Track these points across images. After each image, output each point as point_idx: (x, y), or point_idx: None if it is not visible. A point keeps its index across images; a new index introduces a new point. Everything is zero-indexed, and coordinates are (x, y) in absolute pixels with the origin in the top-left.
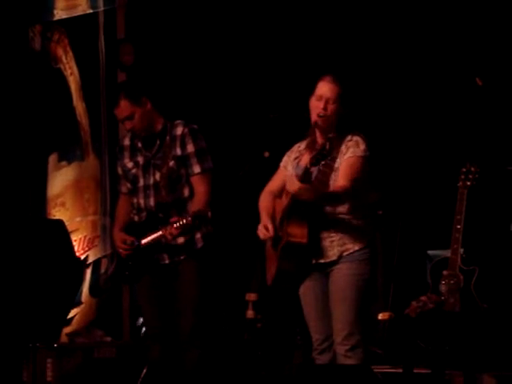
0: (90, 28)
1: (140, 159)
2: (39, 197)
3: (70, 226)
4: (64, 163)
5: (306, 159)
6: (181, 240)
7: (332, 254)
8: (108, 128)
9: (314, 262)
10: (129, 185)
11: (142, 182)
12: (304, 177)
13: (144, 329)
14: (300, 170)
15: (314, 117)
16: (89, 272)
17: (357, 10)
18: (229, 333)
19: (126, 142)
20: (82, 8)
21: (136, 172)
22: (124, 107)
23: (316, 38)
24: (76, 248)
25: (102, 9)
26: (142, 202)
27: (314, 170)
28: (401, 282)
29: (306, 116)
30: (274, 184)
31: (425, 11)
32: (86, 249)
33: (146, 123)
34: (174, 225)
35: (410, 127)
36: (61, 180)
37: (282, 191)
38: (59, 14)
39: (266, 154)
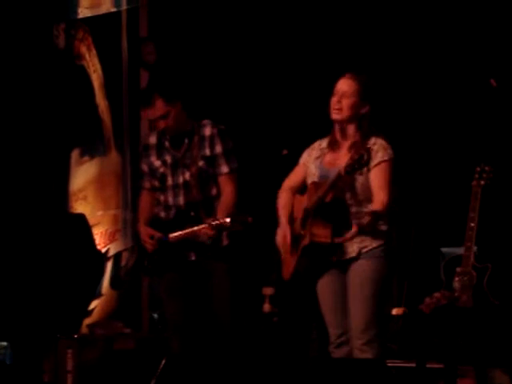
0: (113, 26)
1: (168, 158)
2: (62, 191)
3: (91, 220)
4: (86, 158)
5: (329, 160)
6: (204, 238)
7: (351, 250)
8: (130, 125)
9: (334, 259)
10: (156, 182)
11: (170, 181)
12: (334, 183)
13: (159, 322)
14: (324, 171)
15: (331, 113)
16: (110, 265)
17: (375, 14)
18: (245, 326)
19: (153, 140)
20: (106, 7)
21: (164, 171)
22: (159, 106)
23: (337, 39)
24: (97, 241)
25: (125, 8)
26: (170, 199)
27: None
28: (415, 278)
29: (326, 113)
30: (293, 180)
31: (441, 13)
32: (107, 242)
33: (179, 123)
34: (212, 223)
35: (426, 126)
36: (83, 174)
37: (301, 187)
38: (83, 12)
39: (285, 152)
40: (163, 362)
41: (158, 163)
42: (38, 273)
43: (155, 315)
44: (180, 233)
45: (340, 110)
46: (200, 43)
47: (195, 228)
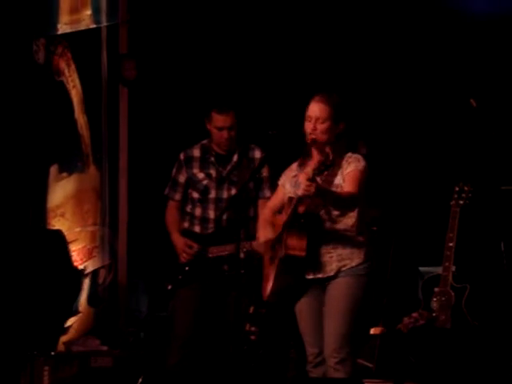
0: (93, 42)
1: (213, 172)
2: (39, 207)
3: (69, 236)
4: (65, 174)
5: (303, 176)
6: (242, 254)
7: (330, 269)
8: (109, 141)
9: (311, 276)
10: (196, 194)
11: (214, 194)
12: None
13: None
14: (299, 186)
15: (308, 137)
16: (87, 282)
17: (355, 27)
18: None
19: (196, 153)
20: (86, 23)
21: (208, 183)
22: (232, 117)
23: (313, 54)
24: (75, 258)
25: (105, 24)
26: (211, 213)
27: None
28: (393, 297)
29: (300, 133)
30: (273, 202)
31: (422, 34)
32: (85, 259)
33: (235, 138)
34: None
35: (405, 146)
36: (61, 191)
37: (281, 208)
38: (63, 28)
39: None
40: (140, 380)
41: (201, 175)
42: (14, 289)
43: (142, 334)
44: (220, 249)
45: (316, 136)
46: (180, 59)
47: (237, 249)
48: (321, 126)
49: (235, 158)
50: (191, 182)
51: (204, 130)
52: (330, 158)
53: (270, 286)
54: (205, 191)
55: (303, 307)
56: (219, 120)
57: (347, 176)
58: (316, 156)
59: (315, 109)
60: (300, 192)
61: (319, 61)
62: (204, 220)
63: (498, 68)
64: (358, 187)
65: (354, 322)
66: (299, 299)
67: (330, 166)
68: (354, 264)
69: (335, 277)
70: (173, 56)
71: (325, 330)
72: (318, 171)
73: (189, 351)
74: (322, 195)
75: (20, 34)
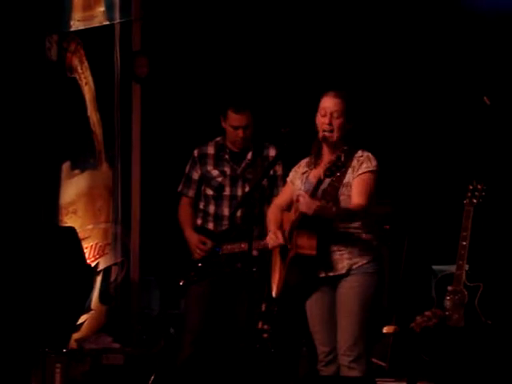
0: (106, 39)
1: (227, 169)
2: (52, 204)
3: (81, 234)
4: (77, 171)
5: (314, 174)
6: (255, 252)
7: (341, 267)
8: (121, 138)
9: (323, 275)
10: (210, 191)
11: (228, 191)
12: (315, 189)
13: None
14: (309, 184)
15: (321, 133)
16: (99, 279)
17: (366, 27)
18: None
19: (211, 150)
20: (99, 19)
21: (222, 181)
22: (248, 116)
23: (323, 52)
24: (87, 255)
25: (118, 21)
26: (225, 210)
27: (326, 182)
28: (406, 296)
29: (313, 131)
30: (281, 198)
31: (435, 30)
32: (97, 256)
33: (250, 137)
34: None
35: (419, 144)
36: (73, 188)
37: (289, 205)
38: (76, 24)
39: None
40: (152, 377)
41: (215, 172)
42: (26, 286)
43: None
44: (234, 247)
45: (331, 131)
46: (193, 57)
47: (251, 244)
48: (336, 122)
49: (249, 155)
50: (205, 179)
51: (217, 127)
52: (342, 159)
53: (279, 284)
54: (219, 188)
55: (314, 306)
56: (235, 119)
57: (357, 181)
58: (327, 154)
59: (330, 103)
60: (301, 209)
61: (331, 59)
62: (218, 217)
63: None
64: (369, 196)
65: (366, 320)
66: (310, 297)
67: (341, 168)
68: (364, 262)
69: (346, 275)
70: (185, 53)
71: (338, 329)
72: (329, 173)
73: (200, 347)
74: (335, 218)
75: (33, 31)
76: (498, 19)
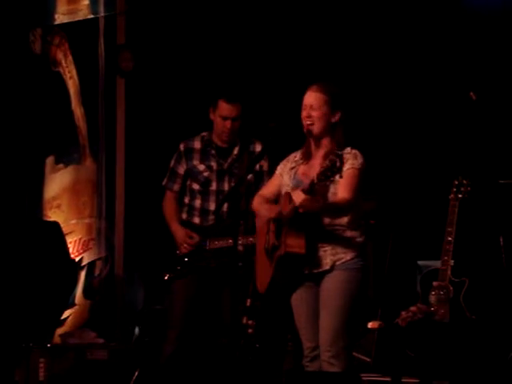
0: (91, 33)
1: (213, 164)
2: (36, 198)
3: (65, 228)
4: (61, 166)
5: (302, 170)
6: (240, 247)
7: (325, 263)
8: (106, 132)
9: (308, 271)
10: (196, 186)
11: (215, 186)
12: (309, 190)
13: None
14: (297, 181)
15: (304, 127)
16: (83, 274)
17: (354, 23)
18: (222, 338)
19: (197, 145)
20: (83, 13)
21: (209, 175)
22: (238, 108)
23: (310, 46)
24: (71, 250)
25: (102, 14)
26: (211, 204)
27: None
28: (391, 291)
29: (300, 126)
30: (267, 190)
31: (419, 26)
32: (81, 251)
33: (237, 131)
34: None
35: (404, 139)
36: (57, 182)
37: (276, 197)
38: (60, 18)
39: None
40: (136, 373)
41: (201, 167)
42: (10, 281)
43: (137, 329)
44: (221, 242)
45: (311, 123)
46: (178, 50)
47: (235, 242)
48: (315, 113)
49: (236, 151)
50: (191, 174)
51: (202, 122)
52: (338, 164)
53: (267, 281)
54: (206, 183)
55: (299, 301)
56: (226, 109)
57: (343, 178)
58: (314, 149)
59: (309, 97)
60: (297, 203)
61: (319, 54)
62: (204, 212)
63: (498, 61)
64: (354, 191)
65: (348, 316)
66: (295, 293)
67: (336, 173)
68: (348, 258)
69: (330, 271)
70: (170, 47)
71: (320, 324)
72: (324, 177)
73: (184, 342)
74: (321, 212)
75: (17, 24)
76: (484, 15)
